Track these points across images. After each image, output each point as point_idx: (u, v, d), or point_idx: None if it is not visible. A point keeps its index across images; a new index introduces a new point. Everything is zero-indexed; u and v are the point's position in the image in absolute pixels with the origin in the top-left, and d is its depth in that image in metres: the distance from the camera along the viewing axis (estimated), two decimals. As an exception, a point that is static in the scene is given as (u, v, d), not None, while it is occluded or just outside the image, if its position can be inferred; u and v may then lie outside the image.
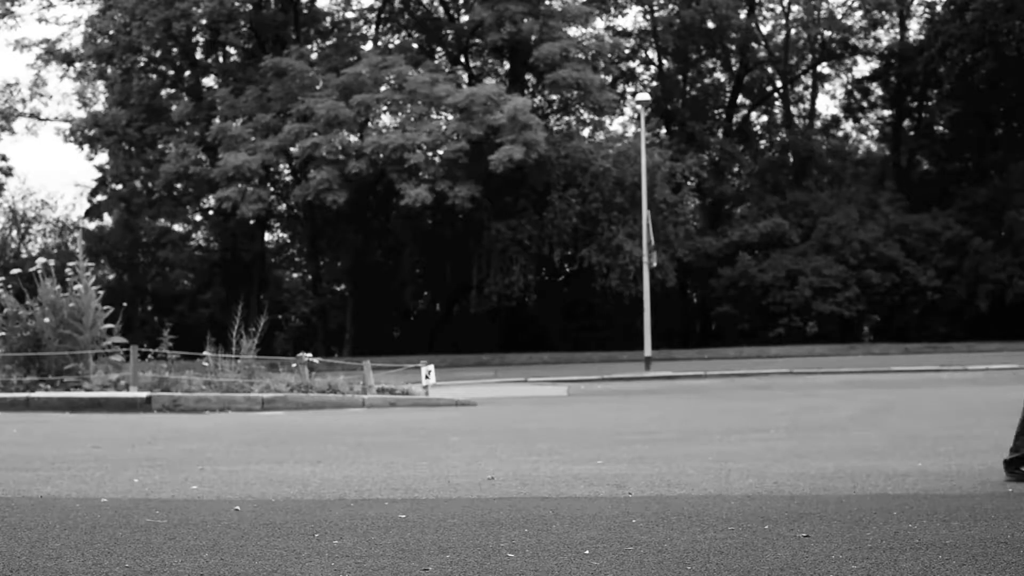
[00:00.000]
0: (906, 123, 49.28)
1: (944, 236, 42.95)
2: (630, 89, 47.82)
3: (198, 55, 45.34)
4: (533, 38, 39.66)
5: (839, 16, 47.46)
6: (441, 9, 46.62)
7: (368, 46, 44.64)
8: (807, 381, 21.54)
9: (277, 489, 5.19)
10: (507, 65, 44.86)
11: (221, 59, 45.79)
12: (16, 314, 14.19)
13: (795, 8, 48.02)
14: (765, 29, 49.25)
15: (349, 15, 47.08)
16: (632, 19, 59.04)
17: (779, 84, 49.92)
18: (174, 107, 43.05)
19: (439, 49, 45.99)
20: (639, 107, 32.47)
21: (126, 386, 13.40)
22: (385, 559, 3.43)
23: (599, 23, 45.78)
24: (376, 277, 45.41)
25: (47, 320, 14.02)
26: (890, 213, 43.88)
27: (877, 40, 48.47)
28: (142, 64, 44.03)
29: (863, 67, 51.20)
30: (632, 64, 49.06)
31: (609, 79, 43.58)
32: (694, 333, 47.93)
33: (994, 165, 44.97)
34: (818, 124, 50.80)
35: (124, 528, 3.98)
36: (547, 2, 40.94)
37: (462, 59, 45.59)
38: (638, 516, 4.21)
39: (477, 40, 43.46)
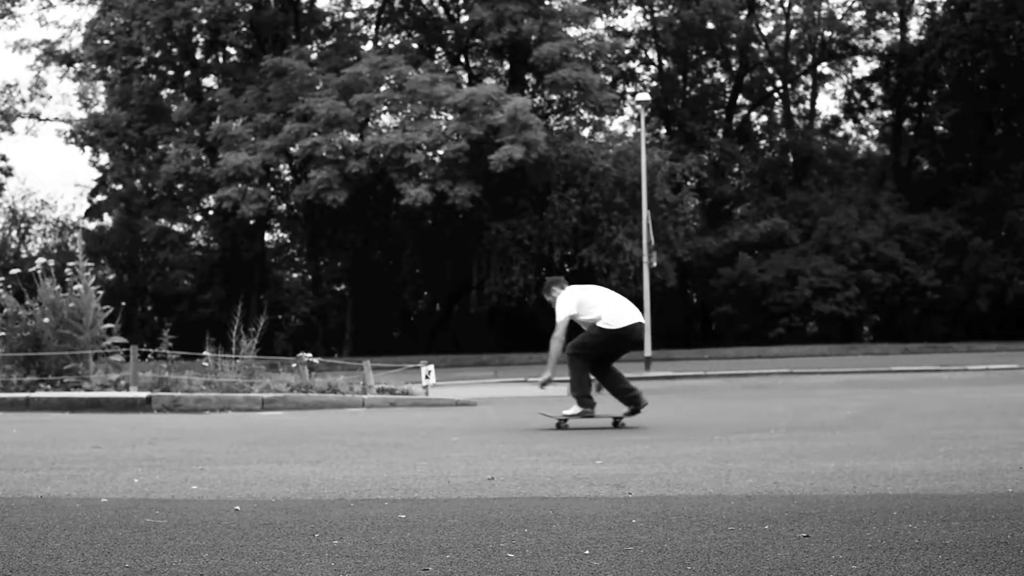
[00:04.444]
0: (906, 123, 49.31)
1: (944, 236, 42.96)
2: (630, 89, 47.85)
3: (198, 55, 45.36)
4: (533, 38, 39.67)
5: (839, 16, 47.50)
6: (441, 9, 46.62)
7: (368, 46, 44.65)
8: (807, 381, 21.53)
9: (277, 489, 5.19)
10: (507, 65, 44.86)
11: (221, 59, 45.80)
12: (16, 314, 14.18)
13: (795, 8, 48.05)
14: (765, 29, 49.31)
15: (349, 15, 47.13)
16: (632, 19, 59.10)
17: (779, 84, 49.92)
18: (174, 108, 43.07)
19: (439, 49, 46.01)
20: (639, 107, 32.47)
21: (126, 386, 13.40)
22: (385, 559, 3.43)
23: (599, 23, 45.85)
24: (376, 277, 45.41)
25: (47, 320, 14.01)
26: (890, 213, 43.89)
27: (877, 40, 48.51)
28: (142, 65, 44.05)
29: (863, 67, 51.35)
30: (632, 64, 49.08)
31: (609, 79, 43.60)
32: (694, 333, 47.94)
33: (994, 165, 45.00)
34: (818, 124, 50.83)
35: (124, 528, 3.98)
36: (547, 2, 40.96)
37: (462, 59, 45.60)
38: (638, 516, 4.21)
39: (477, 40, 43.47)
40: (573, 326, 9.74)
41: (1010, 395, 13.70)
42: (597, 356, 9.77)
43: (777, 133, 50.67)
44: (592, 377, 9.79)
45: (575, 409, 9.64)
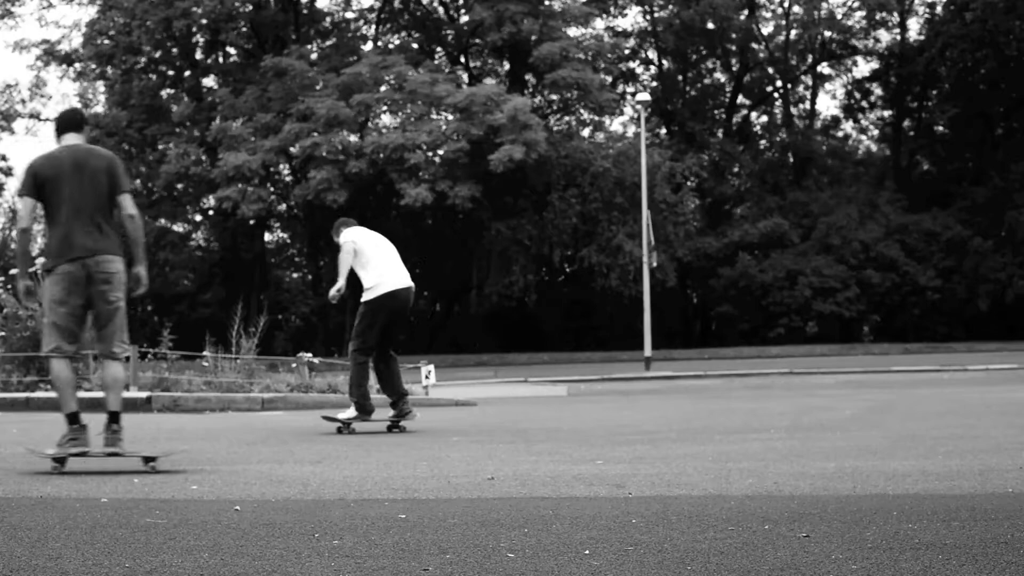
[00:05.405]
0: (906, 123, 49.30)
1: (944, 236, 42.96)
2: (630, 89, 47.85)
3: (198, 55, 45.35)
4: (533, 38, 39.67)
5: (839, 16, 47.49)
6: (441, 9, 46.62)
7: (368, 46, 44.64)
8: (807, 381, 21.54)
9: (277, 489, 5.19)
10: (507, 65, 44.86)
11: (221, 59, 45.79)
12: (16, 314, 14.19)
13: (795, 8, 48.05)
14: (765, 30, 49.30)
15: (349, 15, 47.13)
16: (632, 19, 59.08)
17: (779, 84, 49.91)
18: (174, 107, 43.06)
19: (439, 49, 46.00)
20: (639, 107, 32.47)
21: (126, 386, 13.39)
22: (385, 559, 3.43)
23: (599, 23, 45.83)
24: (376, 277, 45.34)
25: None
26: (890, 213, 43.89)
27: (877, 40, 48.51)
28: (142, 65, 44.04)
29: (863, 67, 51.30)
30: (632, 64, 49.09)
31: (609, 79, 43.59)
32: (694, 333, 47.93)
33: (994, 165, 44.99)
34: (818, 124, 50.82)
35: (124, 528, 3.98)
36: (547, 2, 40.95)
37: (462, 59, 45.60)
38: (638, 516, 4.21)
39: (477, 40, 43.47)
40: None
41: (1010, 395, 13.70)
42: (377, 339, 9.26)
43: (777, 133, 50.67)
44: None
45: (351, 412, 9.22)
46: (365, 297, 9.28)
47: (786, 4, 48.31)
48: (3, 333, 14.26)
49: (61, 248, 6.03)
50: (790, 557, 3.39)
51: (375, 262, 9.38)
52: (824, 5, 47.22)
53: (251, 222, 41.48)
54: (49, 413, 12.19)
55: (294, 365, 16.63)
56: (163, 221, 45.32)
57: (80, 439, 6.01)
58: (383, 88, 38.84)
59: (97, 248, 6.03)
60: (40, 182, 6.04)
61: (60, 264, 6.03)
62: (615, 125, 46.36)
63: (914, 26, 49.43)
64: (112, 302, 6.17)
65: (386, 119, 40.81)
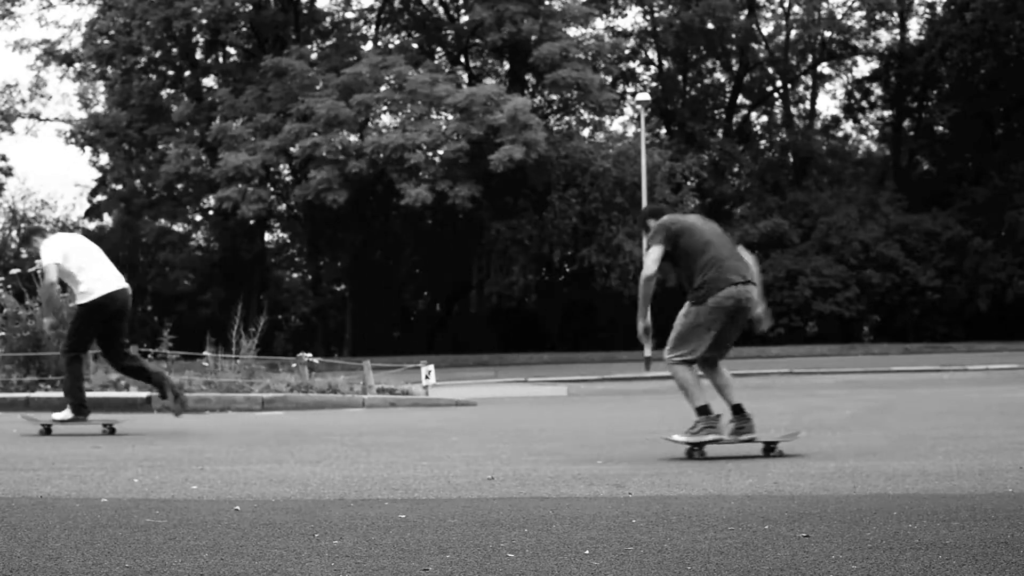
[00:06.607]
0: (906, 123, 49.28)
1: (944, 236, 42.94)
2: (630, 89, 47.82)
3: (198, 55, 45.35)
4: (533, 38, 39.66)
5: (839, 16, 47.46)
6: (441, 9, 46.62)
7: (368, 46, 44.64)
8: (807, 381, 21.53)
9: (277, 489, 5.19)
10: (507, 65, 44.85)
11: (221, 59, 45.79)
12: (16, 314, 14.18)
13: (795, 8, 48.03)
14: (765, 30, 49.28)
15: (349, 15, 47.13)
16: (632, 19, 59.02)
17: (779, 84, 49.89)
18: (174, 108, 43.05)
19: (439, 49, 45.99)
20: (639, 107, 32.48)
21: (126, 386, 13.39)
22: (385, 559, 3.42)
23: (599, 23, 45.82)
24: (376, 277, 45.36)
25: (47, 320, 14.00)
26: (890, 213, 43.87)
27: (877, 40, 48.47)
28: (142, 65, 44.03)
29: (863, 67, 51.24)
30: (632, 64, 49.06)
31: (609, 79, 43.57)
32: (694, 333, 47.86)
33: (994, 165, 44.97)
34: (818, 124, 50.79)
35: (124, 528, 3.98)
36: (547, 2, 40.94)
37: (462, 59, 45.59)
38: (638, 516, 4.21)
39: (477, 40, 43.46)
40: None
41: (1010, 395, 13.70)
42: (88, 341, 9.17)
43: (777, 133, 50.65)
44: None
45: (67, 413, 8.97)
46: (80, 300, 8.97)
47: (786, 4, 48.31)
48: (3, 333, 14.26)
49: (719, 278, 6.57)
50: (790, 557, 3.39)
51: (87, 267, 8.96)
52: (824, 5, 47.19)
53: (251, 222, 41.48)
54: (49, 413, 12.18)
55: (294, 365, 16.64)
56: (163, 221, 45.32)
57: (715, 427, 6.67)
58: (383, 88, 38.83)
59: (748, 278, 6.67)
60: (674, 233, 6.64)
61: (716, 293, 6.57)
62: (615, 125, 46.37)
63: (914, 26, 49.44)
64: (742, 328, 6.94)
65: (386, 119, 40.82)
